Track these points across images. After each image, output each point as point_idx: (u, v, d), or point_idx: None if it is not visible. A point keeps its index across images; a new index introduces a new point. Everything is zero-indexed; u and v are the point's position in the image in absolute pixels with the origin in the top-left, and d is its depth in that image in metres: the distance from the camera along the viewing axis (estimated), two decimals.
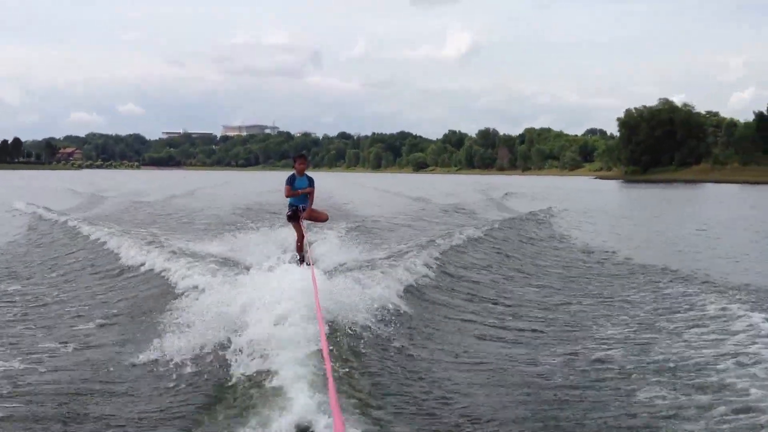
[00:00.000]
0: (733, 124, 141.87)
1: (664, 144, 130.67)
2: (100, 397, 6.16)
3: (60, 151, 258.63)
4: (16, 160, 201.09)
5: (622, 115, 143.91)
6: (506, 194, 53.18)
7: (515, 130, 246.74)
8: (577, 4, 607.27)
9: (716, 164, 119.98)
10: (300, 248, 12.47)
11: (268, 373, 5.95)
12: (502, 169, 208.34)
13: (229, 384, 6.14)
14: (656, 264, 15.29)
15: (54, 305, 10.59)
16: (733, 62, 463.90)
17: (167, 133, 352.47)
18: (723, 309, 9.85)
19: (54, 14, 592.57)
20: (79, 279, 13.07)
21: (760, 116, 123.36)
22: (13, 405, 5.87)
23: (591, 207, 39.61)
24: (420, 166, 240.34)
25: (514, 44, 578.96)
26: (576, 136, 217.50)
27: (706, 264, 15.94)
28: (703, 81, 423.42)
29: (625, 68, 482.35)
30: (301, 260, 12.02)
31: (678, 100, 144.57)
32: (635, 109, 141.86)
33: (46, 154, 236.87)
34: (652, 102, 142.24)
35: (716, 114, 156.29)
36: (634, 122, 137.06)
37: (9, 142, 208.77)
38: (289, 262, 10.89)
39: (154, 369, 6.86)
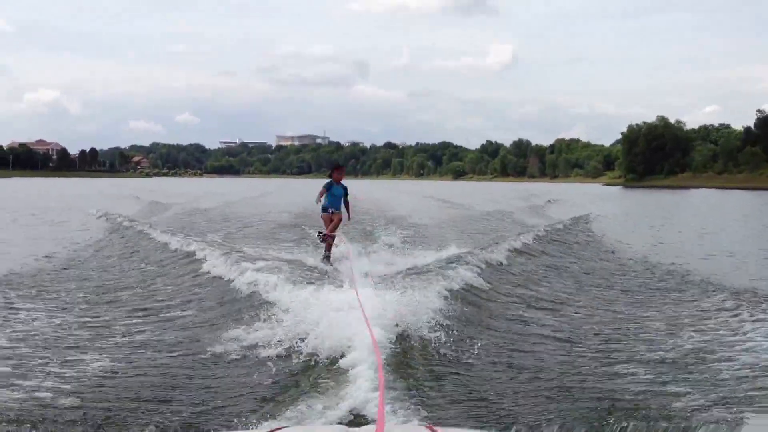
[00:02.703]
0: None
1: (656, 155, 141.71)
2: (191, 381, 6.69)
3: (130, 160, 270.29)
4: (93, 169, 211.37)
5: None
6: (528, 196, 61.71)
7: (550, 139, 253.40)
8: (614, 19, 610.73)
9: (697, 173, 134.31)
10: (329, 246, 13.32)
11: (338, 371, 6.35)
12: (532, 177, 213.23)
13: (297, 379, 6.51)
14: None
15: (145, 302, 10.89)
16: (763, 75, 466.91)
17: (224, 142, 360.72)
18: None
19: (107, 30, 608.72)
20: (167, 277, 13.37)
21: (747, 130, 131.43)
22: (108, 390, 6.33)
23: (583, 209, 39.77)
24: (459, 174, 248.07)
25: (552, 56, 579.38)
26: (602, 146, 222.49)
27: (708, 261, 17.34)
28: (734, 93, 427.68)
29: (660, 81, 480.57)
30: (327, 257, 13.19)
31: (709, 110, 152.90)
32: (636, 124, 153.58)
33: (119, 162, 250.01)
34: (684, 114, 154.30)
35: (728, 126, 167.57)
36: (634, 136, 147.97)
37: (87, 152, 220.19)
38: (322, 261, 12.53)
39: (232, 362, 7.31)
